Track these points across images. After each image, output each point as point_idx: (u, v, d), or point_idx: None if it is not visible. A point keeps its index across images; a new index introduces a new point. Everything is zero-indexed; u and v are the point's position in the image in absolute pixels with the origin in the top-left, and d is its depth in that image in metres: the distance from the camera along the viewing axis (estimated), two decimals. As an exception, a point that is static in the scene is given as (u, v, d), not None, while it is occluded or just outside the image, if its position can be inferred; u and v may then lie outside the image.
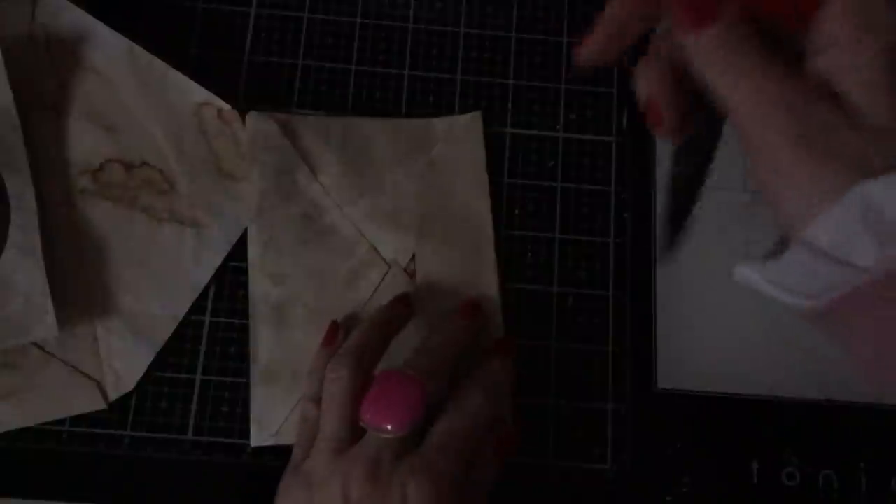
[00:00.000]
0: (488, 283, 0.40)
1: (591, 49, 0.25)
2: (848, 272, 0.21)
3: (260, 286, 0.40)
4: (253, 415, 0.38)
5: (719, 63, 0.22)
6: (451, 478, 0.31)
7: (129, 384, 0.38)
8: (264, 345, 0.39)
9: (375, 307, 0.39)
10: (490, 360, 0.37)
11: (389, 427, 0.31)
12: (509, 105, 0.43)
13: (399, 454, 0.31)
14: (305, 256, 0.40)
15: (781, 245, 0.23)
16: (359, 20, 0.44)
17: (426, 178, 0.41)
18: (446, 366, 0.35)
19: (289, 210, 0.40)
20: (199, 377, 0.39)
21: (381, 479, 0.31)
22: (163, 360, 0.39)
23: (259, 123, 0.41)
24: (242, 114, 0.41)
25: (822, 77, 0.21)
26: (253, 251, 0.40)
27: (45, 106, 0.41)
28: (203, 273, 0.40)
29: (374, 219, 0.41)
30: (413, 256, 0.40)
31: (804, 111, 0.21)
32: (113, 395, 0.38)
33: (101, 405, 0.38)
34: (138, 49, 0.41)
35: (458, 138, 0.42)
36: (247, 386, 0.39)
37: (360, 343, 0.35)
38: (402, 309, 0.38)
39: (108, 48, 0.41)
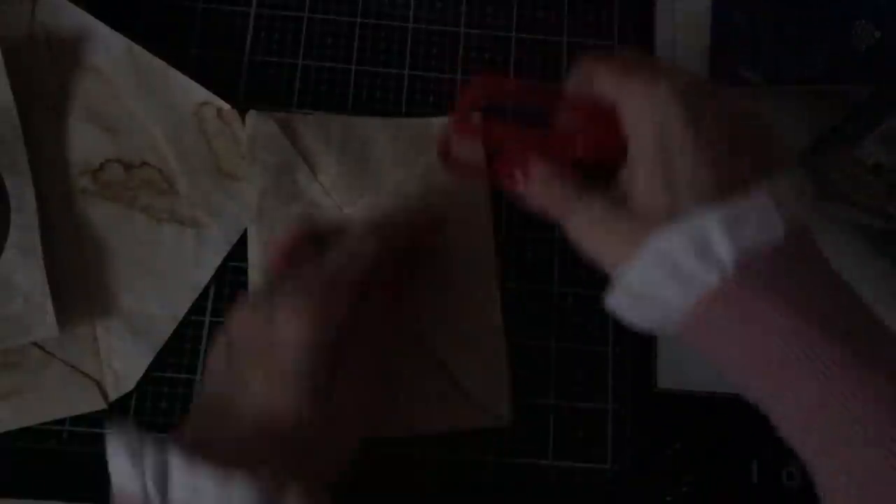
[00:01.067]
0: (488, 283, 0.40)
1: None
2: (661, 310, 0.29)
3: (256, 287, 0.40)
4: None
5: (544, 202, 0.32)
6: (323, 299, 0.31)
7: (129, 384, 0.38)
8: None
9: None
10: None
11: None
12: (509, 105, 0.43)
13: (280, 280, 0.32)
14: None
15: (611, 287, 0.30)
16: (359, 20, 0.44)
17: (426, 179, 0.41)
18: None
19: (289, 210, 0.40)
20: (199, 377, 0.39)
21: (256, 308, 0.31)
22: (163, 360, 0.39)
23: (259, 123, 0.41)
24: (242, 113, 0.41)
25: (623, 188, 0.30)
26: (253, 251, 0.40)
27: (45, 106, 0.41)
28: (203, 273, 0.40)
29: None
30: None
31: (608, 209, 0.30)
32: (113, 395, 0.38)
33: (101, 405, 0.38)
34: (138, 49, 0.41)
35: (459, 139, 0.42)
36: (247, 386, 0.39)
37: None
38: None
39: (108, 48, 0.41)
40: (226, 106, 0.41)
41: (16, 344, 0.37)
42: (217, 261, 0.40)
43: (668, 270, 0.28)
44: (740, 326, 0.28)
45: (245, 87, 0.42)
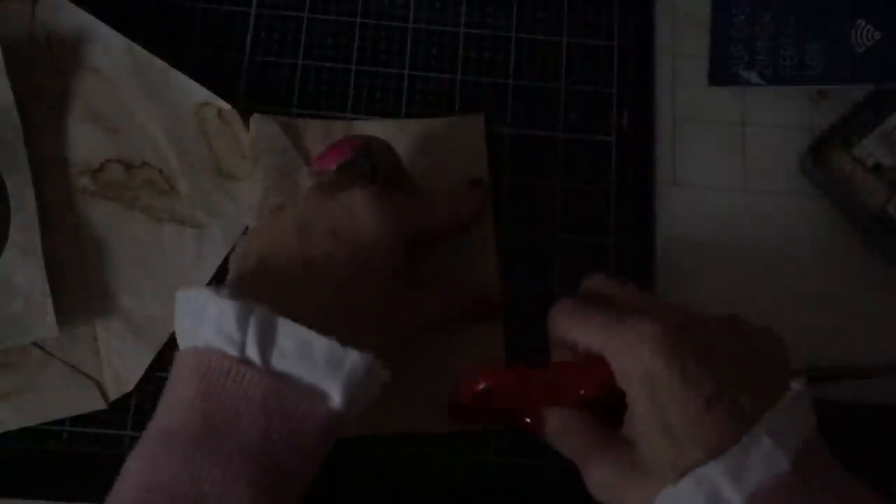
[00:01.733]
0: (488, 285, 0.40)
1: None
2: None
3: None
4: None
5: (562, 451, 0.33)
6: (399, 211, 0.33)
7: (129, 384, 0.38)
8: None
9: None
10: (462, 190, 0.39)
11: (333, 166, 0.35)
12: (509, 105, 0.43)
13: (350, 177, 0.33)
14: None
15: None
16: (359, 20, 0.44)
17: (427, 181, 0.41)
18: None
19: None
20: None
21: (330, 189, 0.32)
22: (163, 360, 0.39)
23: (262, 126, 0.41)
24: (242, 114, 0.41)
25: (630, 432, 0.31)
26: None
27: (45, 106, 0.41)
28: (203, 273, 0.40)
29: None
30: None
31: (619, 468, 0.30)
32: (113, 395, 0.38)
33: (101, 405, 0.38)
34: (138, 49, 0.41)
35: (460, 141, 0.42)
36: (247, 386, 0.39)
37: None
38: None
39: (109, 48, 0.41)
40: (226, 106, 0.41)
41: (16, 344, 0.37)
42: (217, 261, 0.40)
43: None
44: None
45: (245, 87, 0.42)
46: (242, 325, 0.28)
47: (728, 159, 0.43)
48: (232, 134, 0.41)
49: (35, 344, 0.38)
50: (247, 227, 0.40)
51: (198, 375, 0.28)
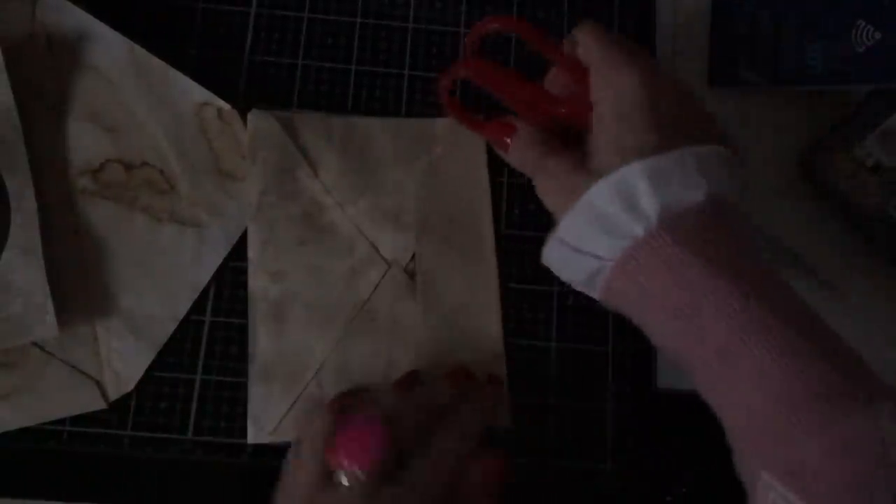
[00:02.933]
0: (488, 284, 0.40)
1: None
2: (591, 263, 0.32)
3: (259, 283, 0.40)
4: (250, 412, 0.38)
5: (520, 162, 0.36)
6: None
7: (129, 384, 0.38)
8: (262, 342, 0.39)
9: (374, 305, 0.40)
10: (474, 393, 0.36)
11: (354, 467, 0.31)
12: (509, 105, 0.43)
13: (369, 496, 0.31)
14: (305, 254, 0.40)
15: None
16: (359, 20, 0.44)
17: (427, 179, 0.41)
18: (417, 418, 0.34)
19: (289, 208, 0.40)
20: (199, 377, 0.39)
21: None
22: (163, 360, 0.39)
23: (260, 121, 0.41)
24: (242, 114, 0.41)
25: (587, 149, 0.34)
26: (252, 248, 0.40)
27: (45, 106, 0.41)
28: (203, 273, 0.40)
29: (375, 218, 0.41)
30: (413, 256, 0.40)
31: (568, 170, 0.34)
32: (113, 395, 0.38)
33: (101, 405, 0.38)
34: (138, 49, 0.41)
35: (459, 139, 0.42)
36: (247, 385, 0.39)
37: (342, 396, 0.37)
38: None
39: (109, 48, 0.41)
40: (226, 106, 0.41)
41: (16, 344, 0.37)
42: (217, 261, 0.40)
43: (598, 223, 0.31)
44: (660, 275, 0.30)
45: (245, 87, 0.42)
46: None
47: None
48: (232, 134, 0.41)
49: (35, 344, 0.38)
50: (246, 228, 0.40)
51: None
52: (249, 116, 0.41)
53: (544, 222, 0.42)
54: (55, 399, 0.38)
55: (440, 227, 0.41)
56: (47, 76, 0.41)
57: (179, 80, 0.41)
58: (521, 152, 0.36)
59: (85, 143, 0.40)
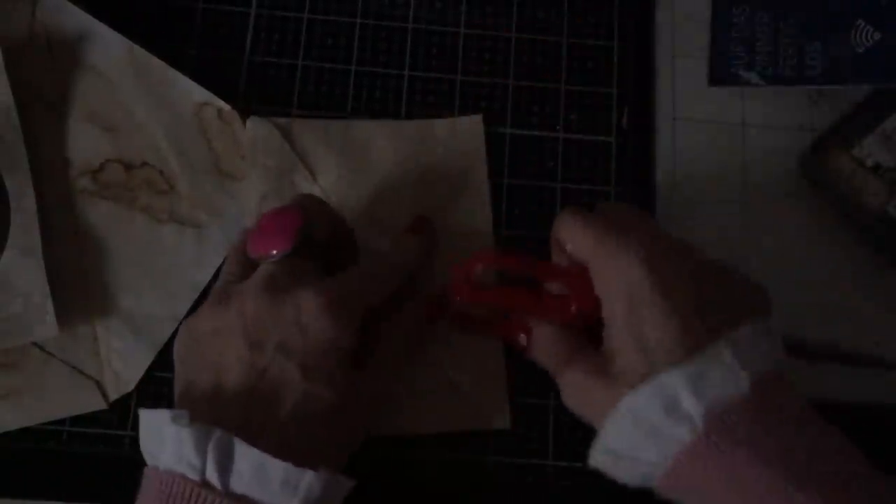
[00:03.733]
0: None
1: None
2: (642, 467, 0.30)
3: None
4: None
5: (542, 362, 0.35)
6: (349, 304, 0.32)
7: (129, 384, 0.38)
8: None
9: None
10: (405, 237, 0.38)
11: (273, 251, 0.33)
12: (509, 105, 0.43)
13: (294, 273, 0.32)
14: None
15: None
16: (359, 20, 0.44)
17: (426, 182, 0.41)
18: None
19: None
20: (199, 377, 0.39)
21: (276, 290, 0.31)
22: (163, 360, 0.39)
23: (259, 128, 0.41)
24: (242, 114, 0.41)
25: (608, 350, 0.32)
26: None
27: (45, 106, 0.41)
28: (203, 273, 0.40)
29: (374, 221, 0.41)
30: None
31: (590, 373, 0.32)
32: (113, 395, 0.38)
33: (101, 405, 0.38)
34: (138, 49, 0.41)
35: (459, 142, 0.42)
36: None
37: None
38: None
39: (108, 48, 0.41)
40: (226, 106, 0.41)
41: (16, 344, 0.37)
42: (217, 261, 0.40)
43: (642, 429, 0.29)
44: (714, 481, 0.28)
45: (245, 88, 0.42)
46: (201, 450, 0.28)
47: (728, 159, 0.43)
48: (232, 134, 0.41)
49: (35, 344, 0.38)
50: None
51: (160, 499, 0.29)
52: (248, 124, 0.41)
53: (544, 223, 0.42)
54: (55, 399, 0.38)
55: (440, 231, 0.41)
56: (47, 76, 0.41)
57: (179, 80, 0.41)
58: (539, 356, 0.35)
59: (85, 143, 0.40)
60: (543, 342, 0.34)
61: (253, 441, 0.28)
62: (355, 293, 0.33)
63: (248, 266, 0.34)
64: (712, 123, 0.44)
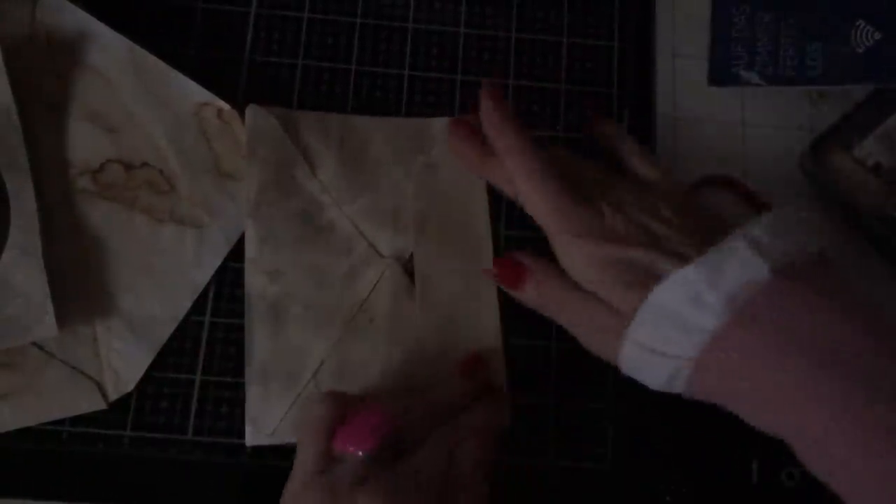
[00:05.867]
0: (487, 284, 0.40)
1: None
2: (671, 363, 0.31)
3: (257, 282, 0.39)
4: (248, 413, 0.38)
5: (537, 303, 0.36)
6: (409, 498, 0.31)
7: (129, 384, 0.38)
8: (259, 342, 0.39)
9: (372, 305, 0.39)
10: (480, 404, 0.36)
11: (352, 448, 0.31)
12: (509, 105, 0.43)
13: (363, 477, 0.31)
14: (303, 253, 0.40)
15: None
16: (359, 20, 0.44)
17: (424, 179, 0.41)
18: (423, 414, 0.34)
19: (287, 206, 0.40)
20: (199, 377, 0.39)
21: (337, 496, 0.30)
22: (163, 360, 0.39)
23: (258, 117, 0.41)
24: (242, 114, 0.41)
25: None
26: (250, 246, 0.40)
27: (45, 106, 0.41)
28: (203, 273, 0.40)
29: (372, 217, 0.41)
30: (411, 256, 0.40)
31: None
32: (113, 395, 0.38)
33: (101, 405, 0.38)
34: (138, 49, 0.41)
35: None
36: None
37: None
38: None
39: (109, 48, 0.41)
40: (226, 106, 0.41)
41: (16, 344, 0.37)
42: (217, 261, 0.40)
43: (669, 322, 0.30)
44: (740, 368, 0.29)
45: (245, 88, 0.42)
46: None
47: (728, 159, 0.43)
48: (232, 134, 0.41)
49: (35, 344, 0.38)
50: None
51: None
52: (247, 111, 0.40)
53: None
54: (55, 399, 0.38)
55: (438, 228, 0.41)
56: (47, 76, 0.41)
57: (179, 80, 0.41)
58: (539, 294, 0.36)
59: (85, 144, 0.40)
60: (543, 277, 0.35)
61: None
62: (413, 486, 0.31)
63: (329, 461, 0.32)
64: (712, 123, 0.44)
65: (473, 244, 0.41)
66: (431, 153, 0.42)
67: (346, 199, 0.41)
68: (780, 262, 0.29)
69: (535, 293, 0.36)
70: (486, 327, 0.40)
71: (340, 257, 0.40)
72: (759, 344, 0.28)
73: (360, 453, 0.31)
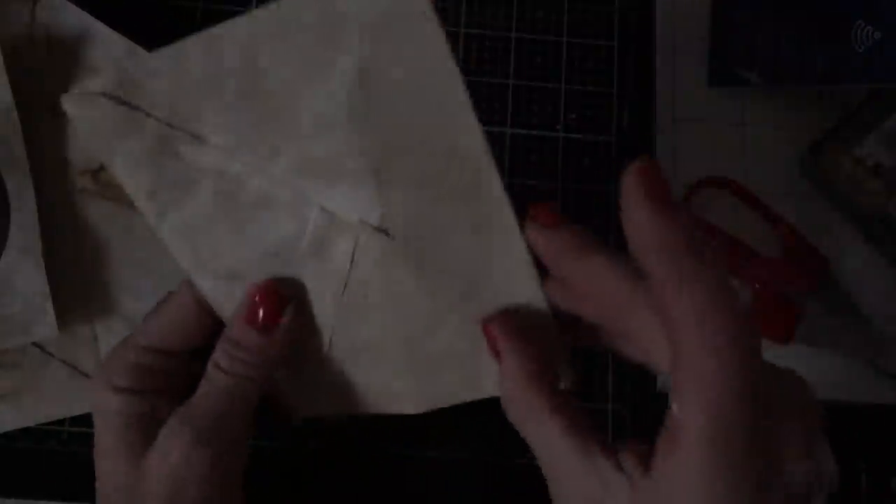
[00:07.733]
0: (502, 228, 0.29)
1: None
2: None
3: (215, 290, 0.31)
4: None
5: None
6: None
7: (129, 384, 0.38)
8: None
9: (360, 280, 0.30)
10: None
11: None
12: (509, 105, 0.43)
13: None
14: (247, 244, 0.30)
15: None
16: (359, 20, 0.44)
17: (359, 98, 0.27)
18: None
19: (195, 196, 0.30)
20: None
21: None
22: (163, 360, 0.39)
23: (84, 107, 0.29)
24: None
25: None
26: (184, 259, 0.31)
27: (45, 106, 0.40)
28: (203, 273, 0.40)
29: (310, 173, 0.29)
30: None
31: None
32: (113, 395, 0.38)
33: (101, 405, 0.38)
34: (138, 49, 0.41)
35: (398, 24, 0.26)
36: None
37: None
38: None
39: (109, 48, 0.41)
40: (226, 106, 0.41)
41: (16, 344, 0.37)
42: (217, 261, 0.40)
43: None
44: None
45: (245, 87, 0.42)
46: None
47: (728, 159, 0.43)
48: (232, 134, 0.41)
49: (35, 344, 0.38)
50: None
51: None
52: (65, 105, 0.29)
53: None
54: (55, 399, 0.38)
55: (409, 166, 0.28)
56: (47, 76, 0.41)
57: (179, 80, 0.41)
58: (509, 398, 0.28)
59: (85, 143, 0.40)
60: (513, 375, 0.28)
61: None
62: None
63: None
64: (712, 123, 0.44)
65: (472, 179, 0.28)
66: (357, 52, 0.27)
67: (264, 158, 0.29)
68: None
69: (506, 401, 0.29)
70: (520, 289, 0.30)
71: (295, 234, 0.30)
72: None
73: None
